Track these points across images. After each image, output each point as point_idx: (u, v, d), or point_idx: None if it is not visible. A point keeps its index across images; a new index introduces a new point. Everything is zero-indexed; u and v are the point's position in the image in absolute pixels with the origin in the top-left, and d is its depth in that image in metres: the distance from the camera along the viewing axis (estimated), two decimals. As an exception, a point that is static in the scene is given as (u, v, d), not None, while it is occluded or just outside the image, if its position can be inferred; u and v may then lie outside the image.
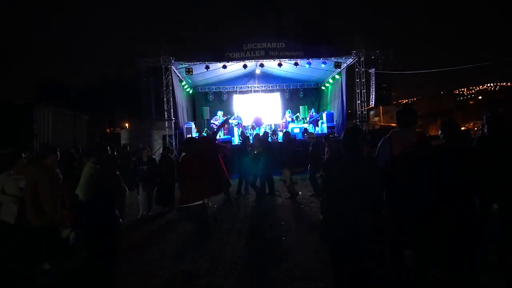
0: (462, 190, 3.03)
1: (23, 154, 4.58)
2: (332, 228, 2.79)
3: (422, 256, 3.23)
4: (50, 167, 4.42)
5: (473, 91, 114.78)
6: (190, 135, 13.62)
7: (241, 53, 14.09)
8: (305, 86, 19.95)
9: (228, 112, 17.83)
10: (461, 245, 2.97)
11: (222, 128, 16.19)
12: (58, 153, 4.64)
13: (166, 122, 14.74)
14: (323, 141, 8.67)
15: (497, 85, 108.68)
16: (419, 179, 3.05)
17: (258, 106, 18.48)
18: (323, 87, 19.42)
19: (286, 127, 16.55)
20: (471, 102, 66.68)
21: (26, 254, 4.31)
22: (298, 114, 17.79)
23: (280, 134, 15.09)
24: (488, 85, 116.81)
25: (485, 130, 4.04)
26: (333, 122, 15.86)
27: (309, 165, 8.66)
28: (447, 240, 2.99)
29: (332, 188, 2.86)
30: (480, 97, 75.68)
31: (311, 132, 10.58)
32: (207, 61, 14.20)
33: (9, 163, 4.42)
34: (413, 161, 3.10)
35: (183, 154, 4.49)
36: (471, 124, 32.86)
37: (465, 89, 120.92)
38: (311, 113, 17.34)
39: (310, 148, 8.77)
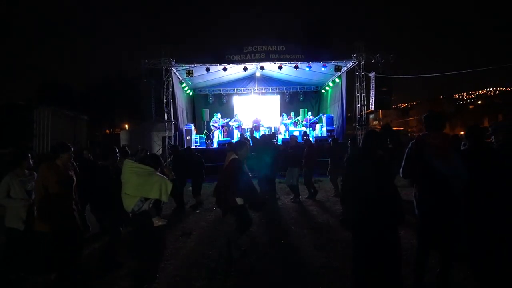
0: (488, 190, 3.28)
1: (29, 155, 4.23)
2: (352, 218, 3.17)
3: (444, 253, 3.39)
4: (62, 167, 4.00)
5: (472, 95, 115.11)
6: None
7: (242, 55, 14.11)
8: (305, 89, 20.01)
9: (227, 115, 17.84)
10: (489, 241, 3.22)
11: (222, 130, 16.24)
12: (72, 153, 4.16)
13: (166, 124, 14.75)
14: (301, 145, 8.69)
15: (496, 89, 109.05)
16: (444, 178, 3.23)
17: (258, 109, 18.49)
18: (323, 90, 19.46)
19: (287, 129, 16.57)
20: (470, 107, 66.82)
21: (33, 262, 4.04)
22: (298, 117, 17.83)
23: (280, 137, 15.14)
24: (488, 89, 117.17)
25: None
26: (333, 125, 15.87)
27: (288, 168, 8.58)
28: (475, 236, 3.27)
29: (352, 186, 3.18)
30: (479, 102, 75.90)
31: (293, 135, 10.71)
32: (208, 63, 14.21)
33: (14, 164, 4.09)
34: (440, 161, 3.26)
35: (234, 156, 4.51)
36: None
37: (465, 93, 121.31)
38: (307, 117, 17.31)
39: (289, 151, 8.70)
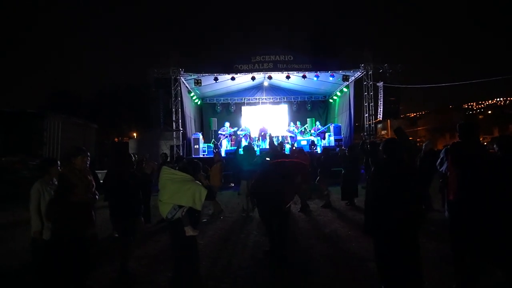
0: None
1: (58, 162, 3.99)
2: (376, 223, 3.29)
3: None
4: (82, 171, 3.82)
5: (482, 105, 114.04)
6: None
7: (250, 65, 14.21)
8: (313, 99, 20.03)
9: (235, 124, 17.89)
10: None
11: (230, 139, 16.28)
12: (88, 157, 3.97)
13: (174, 133, 14.85)
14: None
15: (507, 99, 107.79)
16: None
17: (265, 118, 18.52)
18: (330, 100, 19.46)
19: (295, 139, 16.55)
20: (480, 117, 66.18)
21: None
22: (306, 126, 17.80)
23: (288, 147, 15.10)
24: (498, 99, 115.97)
25: None
26: (341, 135, 15.82)
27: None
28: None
29: (377, 190, 3.31)
30: (489, 112, 75.12)
31: (293, 144, 10.77)
32: (216, 72, 14.34)
33: (42, 170, 3.87)
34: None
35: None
36: (481, 139, 32.64)
37: (474, 103, 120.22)
38: (316, 126, 17.28)
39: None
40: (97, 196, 3.97)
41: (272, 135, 16.86)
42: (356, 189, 8.74)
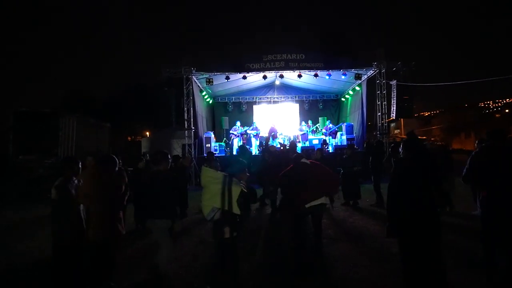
0: None
1: (79, 161, 3.90)
2: (399, 223, 3.29)
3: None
4: (94, 175, 3.94)
5: (499, 104, 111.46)
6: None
7: (261, 64, 14.18)
8: (325, 98, 19.89)
9: (246, 123, 17.89)
10: None
11: (241, 138, 16.28)
12: (118, 160, 4.01)
13: (186, 131, 14.93)
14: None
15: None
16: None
17: (277, 117, 18.46)
18: (343, 99, 19.30)
19: (306, 138, 16.45)
20: (497, 115, 64.60)
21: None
22: (317, 125, 17.69)
23: (299, 145, 15.01)
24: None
25: None
26: (353, 134, 15.67)
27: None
28: None
29: (399, 186, 3.33)
30: (507, 110, 73.34)
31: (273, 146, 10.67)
32: (228, 71, 14.35)
33: (65, 169, 3.77)
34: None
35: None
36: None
37: (491, 102, 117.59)
38: (327, 125, 17.14)
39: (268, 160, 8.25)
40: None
41: (283, 134, 16.81)
42: (358, 190, 8.61)
